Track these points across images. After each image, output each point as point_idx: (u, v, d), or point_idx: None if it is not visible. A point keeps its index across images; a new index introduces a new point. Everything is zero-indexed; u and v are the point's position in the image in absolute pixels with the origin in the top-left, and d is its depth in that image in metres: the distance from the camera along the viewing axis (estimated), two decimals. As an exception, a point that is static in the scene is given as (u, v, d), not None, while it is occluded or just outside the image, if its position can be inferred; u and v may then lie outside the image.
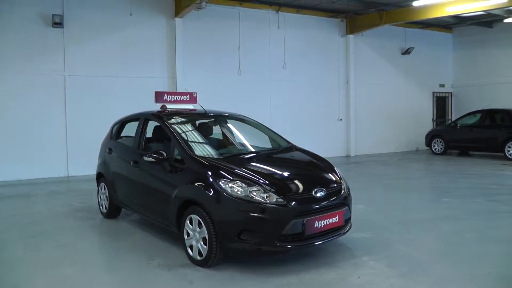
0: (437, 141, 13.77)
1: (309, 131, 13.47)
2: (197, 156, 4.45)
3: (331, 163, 4.94)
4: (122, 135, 6.28)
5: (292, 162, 4.79)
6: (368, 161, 12.67)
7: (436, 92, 16.07)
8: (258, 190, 3.92)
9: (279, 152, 5.11)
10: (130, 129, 6.06)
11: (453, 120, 14.86)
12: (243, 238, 3.84)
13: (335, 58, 13.94)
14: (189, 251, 4.26)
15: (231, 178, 4.02)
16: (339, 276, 3.90)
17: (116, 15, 10.96)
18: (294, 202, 3.91)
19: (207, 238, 4.00)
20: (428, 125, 15.41)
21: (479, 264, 4.20)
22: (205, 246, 4.04)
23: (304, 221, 3.87)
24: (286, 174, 4.38)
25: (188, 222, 4.24)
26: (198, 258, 4.14)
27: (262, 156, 4.89)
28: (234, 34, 12.44)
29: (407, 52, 14.89)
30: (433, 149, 13.92)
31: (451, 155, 13.53)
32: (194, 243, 4.18)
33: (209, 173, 4.16)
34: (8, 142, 9.59)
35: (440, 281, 3.79)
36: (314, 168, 4.74)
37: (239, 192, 3.91)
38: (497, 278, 3.91)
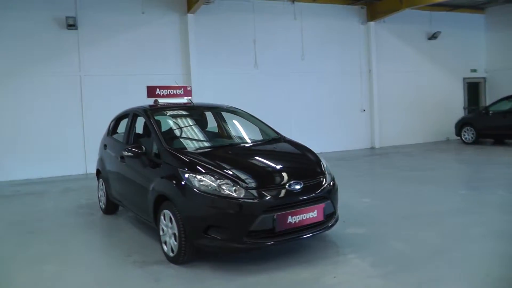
0: (468, 129, 12.94)
1: (330, 124, 13.10)
2: (172, 149, 4.32)
3: (318, 155, 4.65)
4: (119, 131, 6.28)
5: (273, 155, 4.54)
6: (392, 152, 12.11)
7: (467, 78, 15.10)
8: (227, 184, 3.73)
9: (263, 144, 4.89)
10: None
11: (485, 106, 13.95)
12: (210, 234, 3.67)
13: (356, 47, 13.41)
14: (164, 247, 4.15)
15: (200, 171, 3.86)
16: (313, 275, 3.64)
17: (128, 15, 11.05)
18: (263, 196, 3.69)
19: (176, 234, 3.86)
20: (459, 113, 14.52)
21: (478, 264, 3.80)
22: (175, 243, 3.91)
23: (275, 216, 3.64)
24: (260, 167, 4.16)
25: (162, 217, 4.13)
26: (171, 254, 4.02)
27: (242, 148, 4.70)
28: (248, 27, 12.24)
29: (433, 37, 14.07)
30: (463, 138, 13.11)
31: (483, 144, 12.68)
32: (167, 239, 4.07)
33: (180, 166, 4.02)
34: (29, 142, 9.92)
35: (426, 283, 3.45)
36: (294, 161, 4.49)
37: (206, 186, 3.74)
38: (495, 280, 3.49)
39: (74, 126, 10.40)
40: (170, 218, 3.95)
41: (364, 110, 13.60)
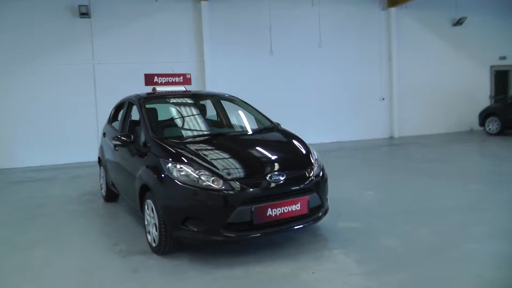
0: (492, 120, 12.34)
1: (348, 113, 12.81)
2: (157, 138, 4.24)
3: (309, 146, 4.47)
4: (119, 119, 6.26)
5: (259, 145, 4.39)
6: (410, 143, 11.71)
7: (495, 66, 14.36)
8: (205, 174, 3.62)
9: (253, 133, 4.76)
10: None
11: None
12: (188, 226, 3.59)
13: (376, 34, 12.96)
14: (148, 237, 4.11)
15: (181, 161, 3.76)
16: (292, 270, 3.51)
17: (142, 3, 11.05)
18: (241, 188, 3.56)
19: (157, 224, 3.80)
20: (484, 103, 13.86)
21: (471, 265, 3.54)
22: (156, 233, 3.85)
23: (253, 209, 3.51)
24: (243, 157, 4.02)
25: (146, 207, 4.08)
26: (153, 245, 3.97)
27: (230, 138, 4.57)
28: (264, 13, 12.01)
29: (458, 23, 13.42)
30: (487, 129, 12.51)
31: (509, 136, 12.05)
32: (151, 229, 4.01)
33: (161, 156, 3.94)
34: (44, 129, 10.13)
35: (408, 283, 3.25)
36: (280, 151, 4.31)
37: (186, 177, 3.64)
38: (485, 281, 3.26)
39: (87, 113, 10.53)
40: (152, 208, 3.89)
41: (383, 99, 13.20)
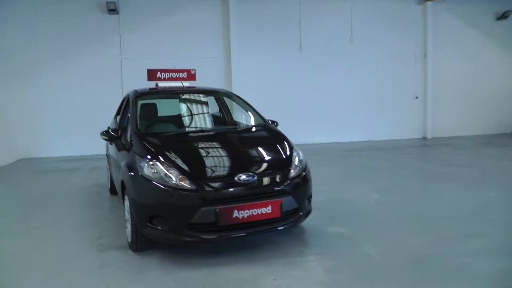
0: (536, 122, 11.42)
1: (379, 111, 12.33)
2: (138, 133, 4.25)
3: (294, 147, 4.30)
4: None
5: (239, 143, 4.27)
6: (441, 144, 11.08)
7: (544, 63, 13.25)
8: (174, 173, 3.57)
9: (239, 131, 4.64)
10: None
11: None
12: (154, 224, 3.56)
13: (411, 29, 12.33)
14: (127, 232, 4.13)
15: (152, 158, 3.74)
16: (254, 276, 3.38)
17: (170, -2, 11.18)
18: (207, 188, 3.47)
19: (129, 221, 3.81)
20: (531, 103, 12.87)
21: (450, 284, 3.24)
22: (130, 229, 3.86)
23: (217, 210, 3.41)
24: (214, 156, 3.93)
25: (125, 202, 4.10)
26: (129, 240, 3.98)
27: (210, 135, 4.50)
28: (293, 8, 11.78)
29: (503, 16, 12.45)
30: (530, 131, 11.61)
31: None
32: (128, 224, 4.03)
33: (137, 151, 3.94)
34: (73, 121, 10.56)
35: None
36: (258, 151, 4.17)
37: (154, 174, 3.62)
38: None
39: (113, 107, 10.80)
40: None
41: (417, 97, 12.56)
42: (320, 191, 6.13)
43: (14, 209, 5.78)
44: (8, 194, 6.85)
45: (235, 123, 4.99)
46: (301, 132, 11.98)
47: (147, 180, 3.61)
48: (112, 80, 10.85)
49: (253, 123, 4.88)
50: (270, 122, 5.09)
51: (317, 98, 12.12)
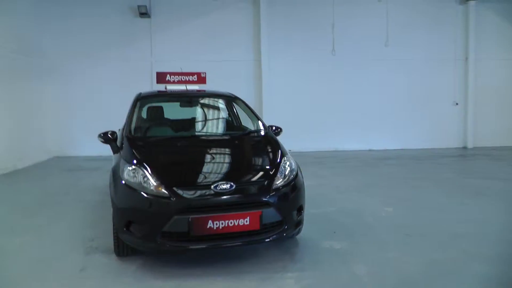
0: None
1: (415, 118, 11.79)
2: (129, 137, 4.24)
3: (286, 156, 4.08)
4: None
5: (226, 150, 4.13)
6: (481, 154, 10.34)
7: None
8: (150, 179, 3.49)
9: (230, 137, 4.49)
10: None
11: None
12: (130, 230, 3.49)
13: (451, 31, 11.65)
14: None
15: (133, 163, 3.69)
16: (223, 290, 3.22)
17: (200, 2, 11.28)
18: (180, 196, 3.36)
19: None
20: None
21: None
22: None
23: (190, 219, 3.29)
24: (193, 163, 3.81)
25: (113, 207, 4.08)
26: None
27: (198, 141, 4.38)
28: (326, 10, 11.52)
29: (556, 16, 11.47)
30: None
31: None
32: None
33: (123, 155, 3.92)
34: (104, 120, 10.84)
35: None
36: (242, 159, 4.00)
37: (132, 179, 3.56)
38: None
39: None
40: (115, 209, 3.87)
41: (457, 104, 11.83)
42: (331, 201, 5.91)
43: (30, 204, 6.00)
44: (31, 190, 7.13)
45: (232, 129, 4.85)
46: (333, 138, 11.68)
47: (126, 185, 3.56)
48: (142, 82, 11.04)
49: (252, 128, 4.72)
50: (273, 128, 4.91)
51: (350, 103, 11.75)
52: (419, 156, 10.37)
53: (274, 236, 3.58)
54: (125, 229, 3.50)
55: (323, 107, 11.74)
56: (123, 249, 3.79)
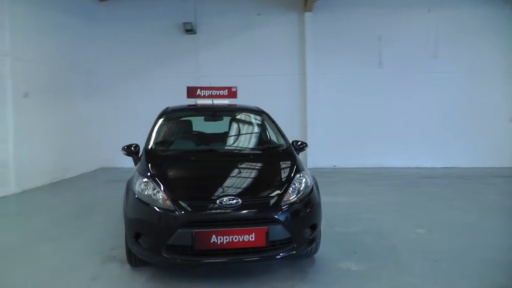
0: None
1: (466, 134, 11.15)
2: (148, 150, 4.33)
3: (301, 169, 3.96)
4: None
5: (240, 165, 4.07)
6: (540, 176, 9.50)
7: None
8: (159, 192, 3.53)
9: (248, 152, 4.44)
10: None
11: None
12: (140, 242, 3.53)
13: (507, 41, 10.92)
14: (130, 246, 4.17)
15: (145, 175, 3.75)
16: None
17: (245, 17, 11.49)
18: (185, 209, 3.35)
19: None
20: None
21: None
22: (128, 244, 3.89)
23: (193, 233, 3.27)
24: (202, 177, 3.81)
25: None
26: (130, 255, 4.01)
27: (214, 155, 4.37)
28: (372, 22, 11.33)
29: None
30: None
31: None
32: (128, 240, 4.07)
33: (138, 167, 4.01)
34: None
35: None
36: (253, 174, 3.93)
37: (142, 191, 3.61)
38: None
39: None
40: (129, 219, 3.94)
41: (513, 120, 11.02)
42: (361, 221, 5.66)
43: (65, 213, 6.29)
44: (70, 199, 7.49)
45: (257, 144, 4.82)
46: (378, 155, 11.31)
47: (137, 197, 3.62)
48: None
49: (274, 143, 4.67)
50: (298, 143, 4.79)
51: (397, 118, 11.35)
52: (467, 175, 9.72)
53: (283, 254, 3.47)
54: (134, 240, 3.55)
55: (369, 122, 11.42)
56: (135, 260, 3.84)
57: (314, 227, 3.75)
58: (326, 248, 4.48)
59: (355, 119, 11.46)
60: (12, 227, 5.69)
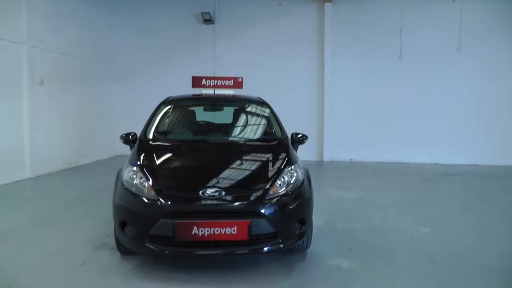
0: None
1: (491, 131, 10.78)
2: (143, 139, 4.34)
3: (294, 162, 3.86)
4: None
5: (228, 156, 3.98)
6: None
7: None
8: (144, 181, 3.51)
9: (239, 143, 4.37)
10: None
11: None
12: (125, 230, 3.53)
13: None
14: (121, 234, 4.20)
15: (133, 163, 3.75)
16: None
17: (265, 7, 11.37)
18: (166, 200, 3.32)
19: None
20: None
21: None
22: (117, 232, 3.91)
23: (174, 224, 3.24)
24: (186, 167, 3.81)
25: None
26: (118, 242, 4.04)
27: (207, 146, 4.32)
28: (394, 13, 10.99)
29: None
30: None
31: None
32: (118, 227, 4.09)
33: (130, 157, 4.02)
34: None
35: None
36: (240, 166, 3.84)
37: (132, 180, 3.61)
38: None
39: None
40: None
41: (543, 117, 10.48)
42: (365, 217, 5.52)
43: (71, 199, 6.42)
44: (80, 185, 7.65)
45: (249, 135, 4.73)
46: (397, 150, 11.05)
47: (124, 186, 3.62)
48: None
49: (270, 135, 4.59)
50: (298, 136, 4.67)
51: (417, 113, 11.02)
52: (491, 174, 9.32)
53: (267, 248, 3.39)
54: (120, 228, 3.55)
55: (388, 117, 11.14)
56: (124, 248, 3.85)
57: (303, 221, 3.65)
58: (321, 243, 4.39)
59: (373, 112, 11.19)
60: (19, 210, 5.85)
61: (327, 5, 11.13)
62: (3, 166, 7.31)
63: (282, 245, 3.44)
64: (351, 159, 11.35)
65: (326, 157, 11.34)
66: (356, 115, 11.32)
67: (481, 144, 10.70)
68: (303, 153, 9.89)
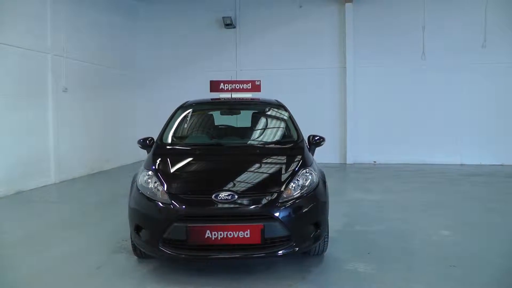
0: None
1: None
2: (159, 144, 4.40)
3: (309, 165, 3.83)
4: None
5: (243, 159, 3.98)
6: None
7: None
8: (158, 185, 3.56)
9: (255, 146, 4.37)
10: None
11: None
12: (140, 234, 3.58)
13: None
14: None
15: (148, 167, 3.80)
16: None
17: (286, 10, 11.39)
18: (180, 203, 3.35)
19: (131, 228, 3.93)
20: None
21: None
22: (135, 235, 3.97)
23: (187, 227, 3.26)
24: (207, 172, 3.81)
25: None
26: (137, 246, 4.08)
27: (219, 150, 4.35)
28: (416, 11, 10.78)
29: None
30: None
31: None
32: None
33: (146, 161, 4.08)
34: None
35: None
36: (254, 169, 3.81)
37: (144, 183, 3.66)
38: None
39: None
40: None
41: None
42: (385, 220, 5.43)
43: (92, 203, 6.58)
44: (102, 189, 7.85)
45: (265, 138, 4.73)
46: (421, 151, 10.83)
47: (138, 189, 3.67)
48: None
49: (286, 138, 4.59)
50: (315, 138, 4.63)
51: (441, 112, 10.77)
52: (515, 174, 9.03)
53: (281, 252, 3.38)
54: (135, 232, 3.61)
55: (411, 116, 10.92)
56: (140, 251, 3.89)
57: (318, 224, 3.62)
58: (339, 247, 4.34)
59: (396, 113, 10.99)
60: (41, 214, 6.01)
61: (348, 5, 11.02)
62: (30, 172, 7.55)
63: (297, 249, 3.42)
64: (374, 162, 11.17)
65: (349, 160, 11.20)
66: (379, 116, 11.14)
67: (508, 144, 10.36)
68: (325, 156, 9.91)
